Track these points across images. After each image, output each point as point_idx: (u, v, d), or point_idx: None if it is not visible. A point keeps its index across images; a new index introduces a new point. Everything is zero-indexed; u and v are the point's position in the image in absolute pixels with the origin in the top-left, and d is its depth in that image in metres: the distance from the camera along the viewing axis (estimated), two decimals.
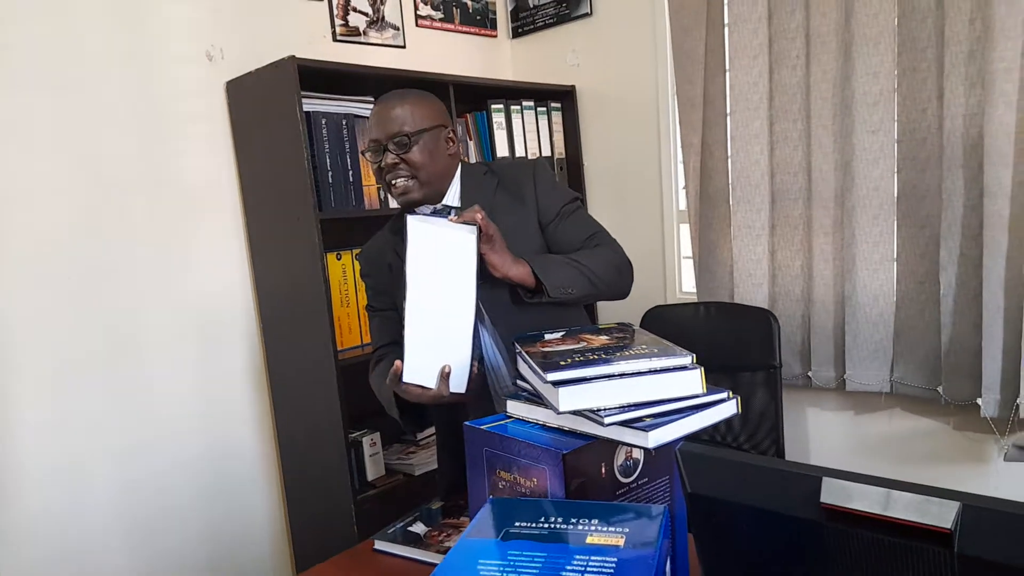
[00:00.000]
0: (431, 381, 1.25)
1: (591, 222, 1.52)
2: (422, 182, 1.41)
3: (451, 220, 1.24)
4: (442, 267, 1.23)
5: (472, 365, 1.27)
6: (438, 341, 1.24)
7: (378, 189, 2.22)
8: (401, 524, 1.29)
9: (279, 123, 2.00)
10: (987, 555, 0.57)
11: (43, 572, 1.84)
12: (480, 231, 1.24)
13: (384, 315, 1.56)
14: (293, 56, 1.93)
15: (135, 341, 1.99)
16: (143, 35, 1.99)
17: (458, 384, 1.26)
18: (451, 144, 1.47)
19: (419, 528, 1.27)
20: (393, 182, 1.41)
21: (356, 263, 2.21)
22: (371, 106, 2.19)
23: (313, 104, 2.05)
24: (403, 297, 1.23)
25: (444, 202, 1.46)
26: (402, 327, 1.43)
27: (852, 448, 2.32)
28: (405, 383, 1.25)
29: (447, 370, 1.25)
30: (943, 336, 2.00)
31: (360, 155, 2.17)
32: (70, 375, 1.88)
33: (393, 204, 2.26)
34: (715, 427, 2.16)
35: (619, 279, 1.44)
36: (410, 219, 1.22)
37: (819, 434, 2.40)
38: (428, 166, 1.41)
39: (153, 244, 2.03)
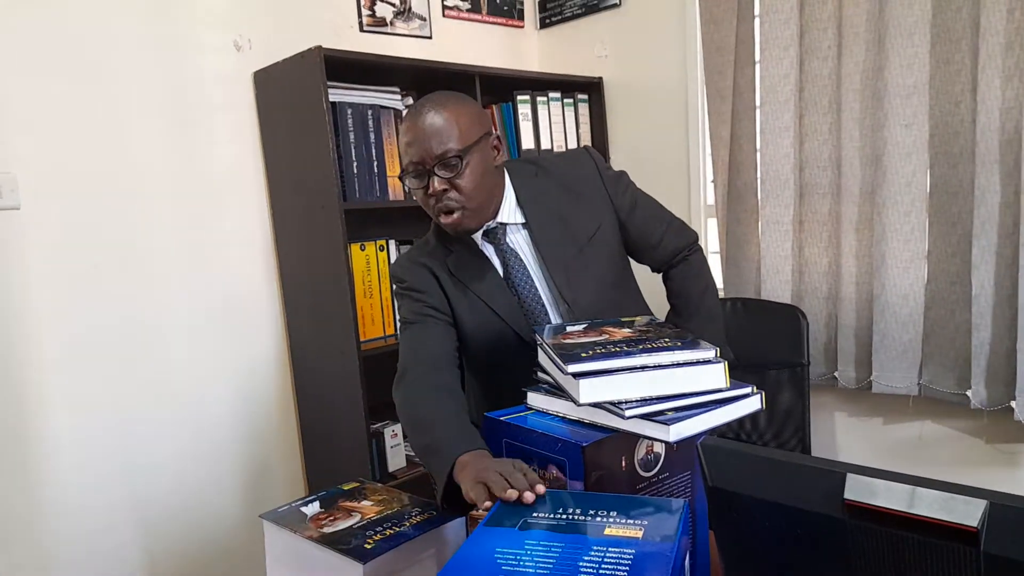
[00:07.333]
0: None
1: (652, 205, 1.47)
2: (474, 209, 1.24)
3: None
4: None
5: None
6: None
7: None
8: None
9: (305, 113, 2.01)
10: (1014, 555, 0.56)
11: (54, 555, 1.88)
12: None
13: (429, 323, 1.33)
14: (320, 46, 1.94)
15: (158, 328, 2.02)
16: (172, 24, 2.01)
17: None
18: (497, 152, 1.29)
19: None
20: (443, 211, 1.23)
21: (381, 257, 2.22)
22: (396, 96, 2.21)
23: (339, 94, 2.06)
24: None
25: (500, 219, 1.31)
26: (449, 340, 1.29)
27: (878, 450, 2.27)
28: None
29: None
30: (975, 338, 1.94)
31: (385, 151, 2.16)
32: (91, 361, 1.90)
33: None
34: (740, 425, 2.17)
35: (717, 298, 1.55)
36: None
37: (845, 435, 2.36)
38: (481, 189, 1.24)
39: (179, 232, 2.05)
